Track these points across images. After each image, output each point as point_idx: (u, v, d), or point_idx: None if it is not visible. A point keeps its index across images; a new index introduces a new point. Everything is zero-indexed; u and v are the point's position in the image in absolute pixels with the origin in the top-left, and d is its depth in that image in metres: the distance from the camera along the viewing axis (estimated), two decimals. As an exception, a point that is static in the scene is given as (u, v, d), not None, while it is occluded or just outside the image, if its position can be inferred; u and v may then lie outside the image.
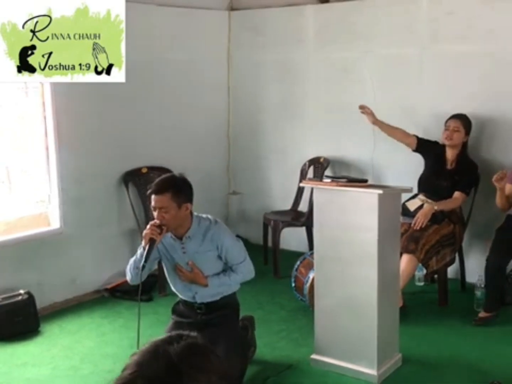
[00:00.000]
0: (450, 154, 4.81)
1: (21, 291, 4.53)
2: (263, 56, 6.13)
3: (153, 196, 3.29)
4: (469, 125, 4.78)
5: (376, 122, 4.96)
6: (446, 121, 4.78)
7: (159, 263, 3.80)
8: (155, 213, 3.32)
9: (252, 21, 6.16)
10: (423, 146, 4.91)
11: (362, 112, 4.95)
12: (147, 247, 3.26)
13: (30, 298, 4.50)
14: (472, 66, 4.99)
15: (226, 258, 3.51)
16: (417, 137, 4.93)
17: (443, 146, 4.83)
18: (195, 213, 3.48)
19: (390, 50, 5.38)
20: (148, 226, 3.31)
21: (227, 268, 3.56)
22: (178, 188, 3.32)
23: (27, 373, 3.86)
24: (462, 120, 4.75)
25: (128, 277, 3.50)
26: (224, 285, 3.54)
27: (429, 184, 4.80)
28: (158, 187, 3.30)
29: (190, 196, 3.39)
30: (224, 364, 1.31)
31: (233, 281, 3.56)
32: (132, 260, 3.45)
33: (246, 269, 3.56)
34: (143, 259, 3.25)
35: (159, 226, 3.28)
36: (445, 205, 4.64)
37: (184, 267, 3.49)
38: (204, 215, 3.53)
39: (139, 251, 3.38)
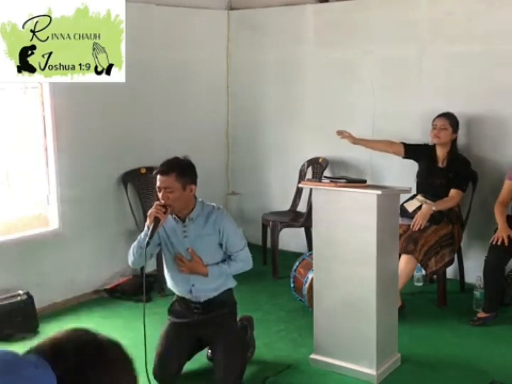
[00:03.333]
0: (440, 152, 4.82)
1: (20, 292, 4.53)
2: (262, 55, 6.13)
3: (158, 177, 3.38)
4: (456, 123, 4.79)
5: (356, 142, 4.97)
6: (433, 120, 4.79)
7: (159, 260, 3.81)
8: (159, 194, 3.39)
9: (251, 21, 6.17)
10: (412, 152, 4.93)
11: (341, 138, 4.95)
12: (151, 226, 3.29)
13: (29, 299, 4.50)
14: (472, 66, 5.00)
15: (226, 244, 3.53)
16: (404, 144, 4.94)
17: (433, 146, 4.85)
18: (199, 199, 3.51)
19: (390, 50, 5.39)
20: (153, 206, 3.37)
21: (226, 258, 3.58)
22: (183, 169, 3.40)
23: (26, 373, 3.85)
24: (449, 118, 4.76)
25: (130, 260, 3.52)
26: (223, 275, 3.55)
27: (424, 185, 4.81)
28: (164, 167, 3.39)
29: (194, 178, 3.46)
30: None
31: (233, 270, 3.57)
32: (135, 243, 3.48)
33: (245, 257, 3.59)
34: (148, 236, 3.31)
35: (164, 206, 3.34)
36: (443, 204, 4.64)
37: (184, 254, 3.50)
38: (208, 202, 3.57)
39: (142, 234, 3.43)
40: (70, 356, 1.26)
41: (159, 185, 3.38)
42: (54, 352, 1.26)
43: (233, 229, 3.56)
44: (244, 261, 3.59)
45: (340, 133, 4.94)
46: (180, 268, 3.51)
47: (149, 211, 3.37)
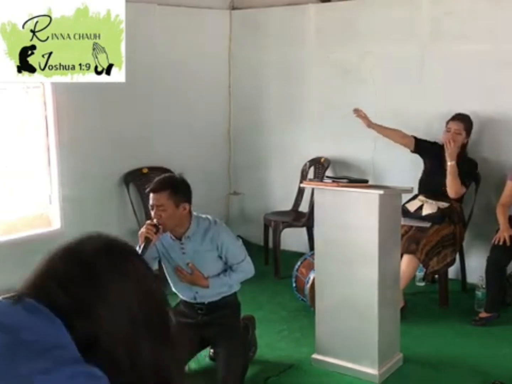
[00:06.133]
0: None
1: (22, 291, 4.52)
2: (264, 55, 6.13)
3: (151, 194, 3.34)
4: (470, 126, 4.75)
5: (371, 125, 4.89)
6: (448, 122, 4.75)
7: (160, 263, 3.80)
8: (152, 212, 3.34)
9: (253, 21, 6.17)
10: (422, 147, 4.89)
11: (357, 116, 4.86)
12: (142, 246, 3.27)
13: (30, 299, 4.49)
14: (472, 66, 4.99)
15: (226, 257, 3.52)
16: (415, 137, 4.90)
17: (442, 145, 4.81)
18: (194, 213, 3.49)
19: (391, 49, 5.38)
20: (144, 225, 3.33)
21: (227, 268, 3.57)
22: (176, 187, 3.35)
23: (28, 373, 3.85)
24: (464, 122, 4.71)
25: None
26: (225, 286, 3.55)
27: (429, 184, 4.78)
28: (156, 185, 3.35)
29: (188, 196, 3.41)
30: (147, 273, 1.20)
31: (234, 280, 3.56)
32: None
33: (246, 268, 3.57)
34: None
35: (155, 226, 3.30)
36: (451, 178, 4.59)
37: (184, 267, 3.49)
38: (203, 215, 3.54)
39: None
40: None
41: (151, 203, 3.34)
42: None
43: (232, 242, 3.54)
44: (245, 272, 3.58)
45: (356, 111, 4.85)
46: (181, 280, 3.52)
47: (140, 231, 3.32)
